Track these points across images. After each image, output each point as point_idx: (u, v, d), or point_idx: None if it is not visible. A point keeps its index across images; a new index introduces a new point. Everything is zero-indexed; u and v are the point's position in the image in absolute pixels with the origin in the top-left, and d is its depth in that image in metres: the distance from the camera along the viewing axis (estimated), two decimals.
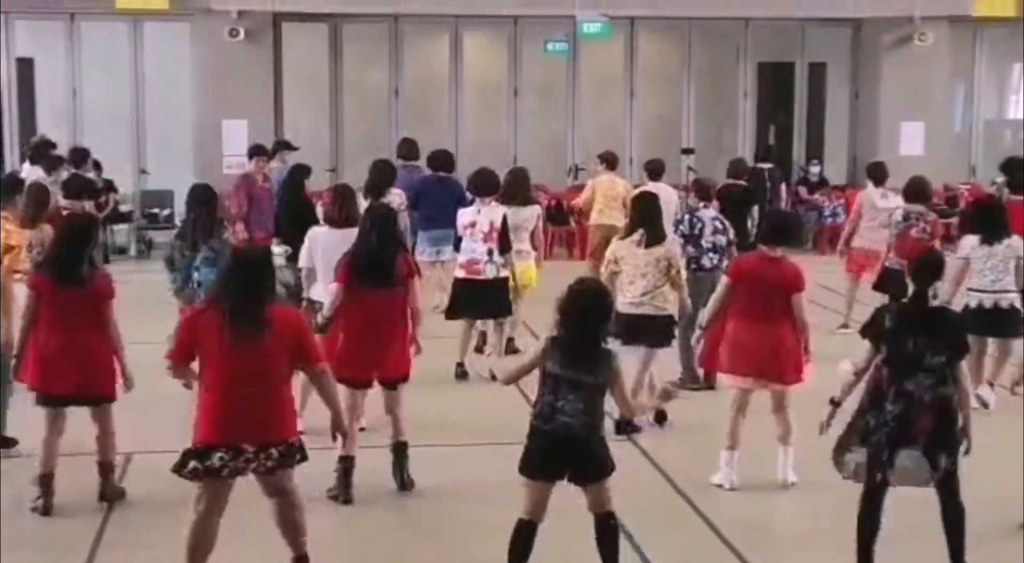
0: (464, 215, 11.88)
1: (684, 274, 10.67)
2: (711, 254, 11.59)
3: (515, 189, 12.75)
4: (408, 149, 15.99)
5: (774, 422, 8.84)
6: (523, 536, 6.78)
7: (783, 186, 17.70)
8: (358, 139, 21.41)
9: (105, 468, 8.47)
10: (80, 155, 16.65)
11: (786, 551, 8.06)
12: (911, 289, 7.12)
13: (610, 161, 15.61)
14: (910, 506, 7.13)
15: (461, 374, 11.90)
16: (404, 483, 8.67)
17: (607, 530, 6.82)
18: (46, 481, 8.26)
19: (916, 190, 13.13)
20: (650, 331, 9.97)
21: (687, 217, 11.83)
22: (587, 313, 6.73)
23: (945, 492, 7.07)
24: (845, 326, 13.71)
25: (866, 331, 7.11)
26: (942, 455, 6.96)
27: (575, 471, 6.78)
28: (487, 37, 22.63)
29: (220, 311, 6.62)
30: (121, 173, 19.96)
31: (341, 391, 8.03)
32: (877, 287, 12.82)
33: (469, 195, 12.42)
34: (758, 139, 22.95)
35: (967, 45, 22.77)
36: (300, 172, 13.77)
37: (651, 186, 14.04)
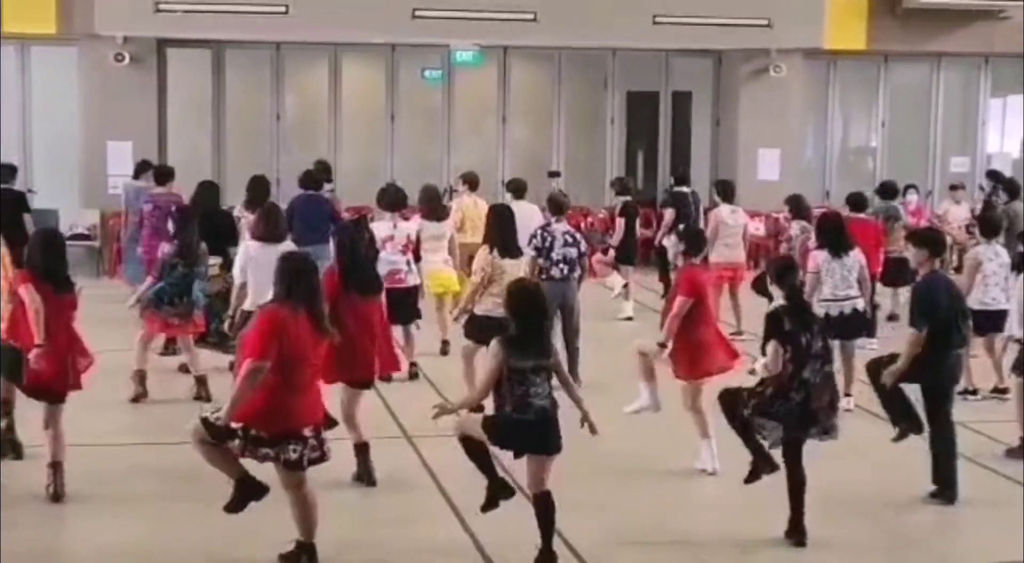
0: (380, 229, 12.54)
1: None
2: (561, 265, 12.42)
3: (432, 205, 13.80)
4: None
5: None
6: (475, 446, 7.54)
7: (700, 207, 18.46)
8: (240, 161, 21.73)
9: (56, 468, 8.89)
10: (8, 171, 16.61)
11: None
12: (781, 291, 8.23)
13: (472, 182, 16.23)
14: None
15: (415, 374, 12.80)
16: (372, 480, 9.25)
17: (547, 508, 7.45)
18: None
19: (803, 206, 14.56)
20: None
21: (539, 231, 12.63)
22: (533, 307, 7.46)
23: (794, 460, 8.13)
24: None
25: (773, 335, 8.06)
26: (830, 421, 8.14)
27: (539, 445, 7.42)
28: (365, 64, 23.16)
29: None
30: None
31: (345, 390, 9.11)
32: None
33: (381, 210, 13.15)
34: (627, 164, 23.88)
35: (822, 76, 23.83)
36: (213, 188, 14.23)
37: (515, 205, 14.85)
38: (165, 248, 11.84)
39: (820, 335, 8.19)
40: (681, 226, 15.45)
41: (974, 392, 12.30)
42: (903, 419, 9.27)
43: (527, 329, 7.39)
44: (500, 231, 11.50)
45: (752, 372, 8.43)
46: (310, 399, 7.46)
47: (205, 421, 7.24)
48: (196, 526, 7.71)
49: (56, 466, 8.85)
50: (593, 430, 7.65)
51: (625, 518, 8.80)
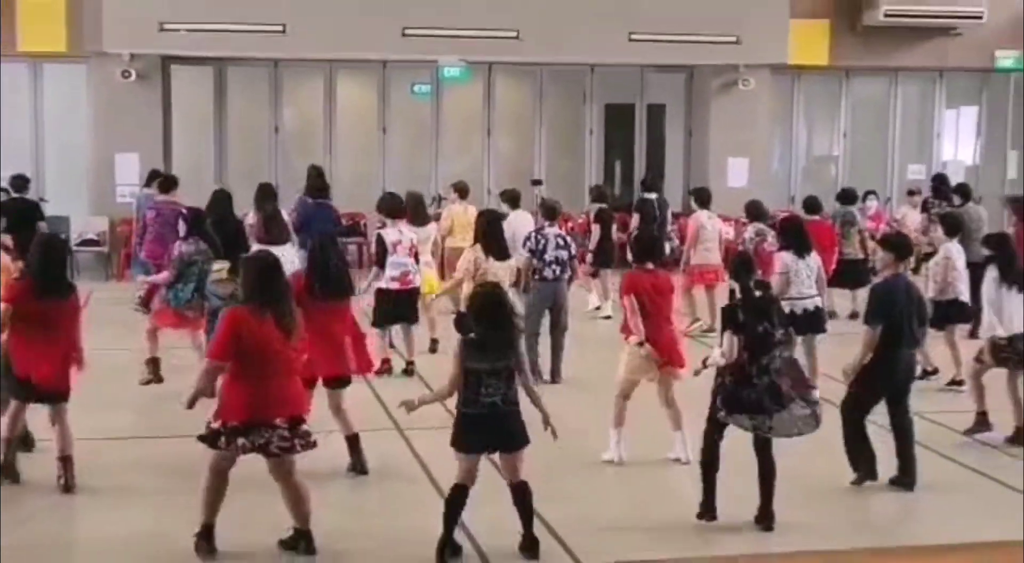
0: (389, 235, 13.27)
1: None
2: (553, 266, 13.11)
3: (418, 211, 14.52)
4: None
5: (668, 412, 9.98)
6: (456, 497, 7.68)
7: (668, 212, 19.18)
8: (241, 171, 22.41)
9: (66, 461, 9.06)
10: (22, 181, 17.38)
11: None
12: (738, 286, 8.53)
13: (462, 191, 16.92)
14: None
15: (411, 371, 13.23)
16: (364, 469, 9.60)
17: (524, 497, 7.70)
18: None
19: (760, 211, 15.27)
20: None
21: (533, 234, 13.38)
22: (495, 312, 7.62)
23: (764, 450, 8.41)
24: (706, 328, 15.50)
25: (728, 325, 8.36)
26: (796, 406, 8.25)
27: (500, 442, 7.61)
28: (358, 80, 23.88)
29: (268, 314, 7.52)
30: None
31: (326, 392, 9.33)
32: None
33: (381, 217, 13.74)
34: (605, 172, 24.60)
35: (787, 89, 24.64)
36: (226, 196, 14.76)
37: (512, 214, 15.54)
38: (182, 247, 12.04)
39: (781, 323, 8.37)
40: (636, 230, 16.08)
41: (934, 371, 12.89)
42: (862, 465, 9.40)
43: (487, 332, 7.54)
44: (490, 235, 12.43)
45: (698, 372, 8.74)
46: (282, 391, 7.56)
47: (200, 437, 7.60)
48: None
49: (66, 460, 9.02)
50: (554, 435, 7.79)
51: (603, 506, 9.07)
